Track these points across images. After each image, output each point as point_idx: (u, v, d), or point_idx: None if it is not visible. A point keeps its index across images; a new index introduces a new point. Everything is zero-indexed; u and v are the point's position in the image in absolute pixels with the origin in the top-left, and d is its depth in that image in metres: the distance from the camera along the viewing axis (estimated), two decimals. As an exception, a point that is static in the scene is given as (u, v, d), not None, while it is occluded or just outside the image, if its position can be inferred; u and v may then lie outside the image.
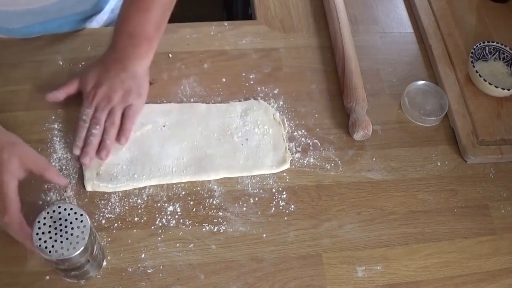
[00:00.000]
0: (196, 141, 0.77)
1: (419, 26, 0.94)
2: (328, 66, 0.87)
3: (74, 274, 0.62)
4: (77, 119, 0.74)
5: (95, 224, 0.69)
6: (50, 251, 0.55)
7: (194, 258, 0.68)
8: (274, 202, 0.73)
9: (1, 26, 0.82)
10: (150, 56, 0.78)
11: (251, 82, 0.84)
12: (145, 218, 0.70)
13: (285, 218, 0.72)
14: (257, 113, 0.80)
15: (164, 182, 0.73)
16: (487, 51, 0.88)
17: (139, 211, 0.71)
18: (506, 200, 0.77)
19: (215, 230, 0.70)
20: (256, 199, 0.73)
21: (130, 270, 0.66)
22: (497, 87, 0.82)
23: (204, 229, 0.70)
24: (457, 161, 0.80)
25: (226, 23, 0.92)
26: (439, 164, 0.78)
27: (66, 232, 0.57)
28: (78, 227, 0.57)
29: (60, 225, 0.57)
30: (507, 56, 0.88)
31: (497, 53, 0.88)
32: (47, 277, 0.65)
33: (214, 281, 0.67)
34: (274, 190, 0.74)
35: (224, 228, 0.70)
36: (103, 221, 0.69)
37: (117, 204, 0.71)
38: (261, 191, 0.74)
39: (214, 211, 0.71)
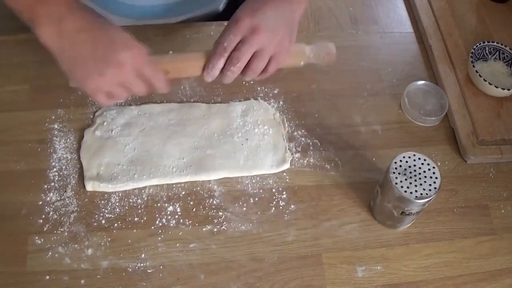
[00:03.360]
0: (196, 141, 0.77)
1: (419, 26, 0.94)
2: (328, 66, 0.87)
3: (391, 223, 0.71)
4: (215, 42, 0.65)
5: (95, 224, 0.69)
6: (405, 191, 0.63)
7: (194, 258, 0.68)
8: (274, 202, 0.73)
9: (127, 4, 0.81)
10: (304, 7, 0.69)
11: (251, 82, 0.84)
12: (145, 218, 0.70)
13: (285, 218, 0.72)
14: (257, 113, 0.80)
15: (165, 182, 0.73)
16: (487, 51, 0.88)
17: (139, 211, 0.71)
18: (506, 200, 0.77)
19: (215, 230, 0.70)
20: (256, 199, 0.73)
21: (130, 270, 0.66)
22: (497, 87, 0.82)
23: (204, 229, 0.70)
24: (457, 161, 0.80)
25: (226, 23, 0.91)
26: (439, 164, 0.78)
27: (420, 179, 0.64)
28: (430, 177, 0.65)
29: (414, 171, 0.65)
30: (507, 56, 0.87)
31: (497, 53, 0.88)
32: (47, 277, 0.65)
33: (214, 281, 0.67)
34: (274, 190, 0.74)
35: (224, 228, 0.70)
36: (103, 221, 0.69)
37: (117, 204, 0.71)
38: (261, 191, 0.74)
39: (214, 211, 0.71)
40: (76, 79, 0.61)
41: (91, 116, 0.78)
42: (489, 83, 0.82)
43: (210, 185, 0.74)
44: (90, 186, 0.71)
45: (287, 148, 0.77)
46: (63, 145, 0.75)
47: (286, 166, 0.76)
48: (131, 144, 0.75)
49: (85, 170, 0.72)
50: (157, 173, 0.73)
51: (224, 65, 0.65)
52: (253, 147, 0.77)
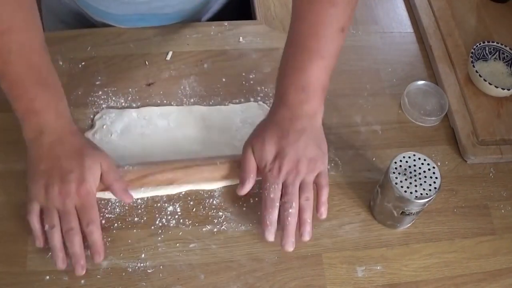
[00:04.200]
0: (196, 146, 0.76)
1: (419, 26, 0.94)
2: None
3: (391, 223, 0.71)
4: (262, 197, 0.67)
5: (95, 224, 0.69)
6: (405, 191, 0.63)
7: (194, 258, 0.68)
8: (274, 202, 0.73)
9: (101, 10, 0.84)
10: (323, 106, 0.70)
11: (251, 82, 0.84)
12: (145, 218, 0.70)
13: (285, 218, 0.72)
14: (256, 115, 0.79)
15: (164, 193, 0.72)
16: (487, 51, 0.88)
17: (139, 211, 0.71)
18: (506, 200, 0.77)
19: (215, 230, 0.70)
20: (256, 199, 0.73)
21: (130, 270, 0.66)
22: (497, 87, 0.82)
23: (204, 229, 0.70)
24: (457, 161, 0.80)
25: (226, 23, 0.92)
26: (439, 164, 0.78)
27: (420, 179, 0.64)
28: (430, 177, 0.65)
29: (414, 171, 0.65)
30: (507, 56, 0.87)
31: (497, 53, 0.88)
32: (47, 277, 0.65)
33: (214, 281, 0.67)
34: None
35: (224, 228, 0.70)
36: (103, 221, 0.69)
37: (117, 204, 0.71)
38: (261, 191, 0.74)
39: (214, 211, 0.71)
40: (28, 173, 0.66)
41: (91, 116, 0.78)
42: (489, 83, 0.82)
43: (210, 188, 0.73)
44: None
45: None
46: (63, 145, 0.75)
47: None
48: (130, 149, 0.75)
49: None
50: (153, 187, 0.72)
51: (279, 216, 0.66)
52: None
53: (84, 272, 0.64)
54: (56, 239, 0.63)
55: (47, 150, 0.65)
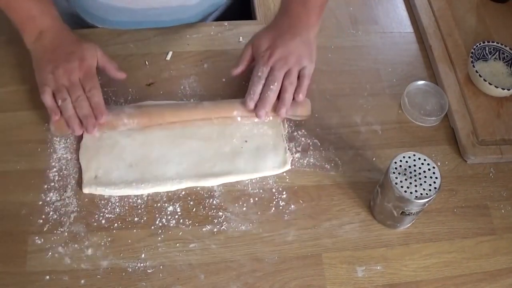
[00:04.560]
0: (196, 143, 0.76)
1: (419, 26, 0.94)
2: (328, 66, 0.87)
3: (391, 223, 0.71)
4: (251, 76, 0.77)
5: (95, 224, 0.69)
6: (405, 191, 0.63)
7: (194, 258, 0.68)
8: (274, 202, 0.73)
9: (98, 16, 0.90)
10: (319, 23, 0.81)
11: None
12: (145, 218, 0.70)
13: (285, 218, 0.72)
14: None
15: (164, 190, 0.72)
16: (487, 51, 0.88)
17: (139, 211, 0.71)
18: (506, 200, 0.77)
19: (215, 230, 0.70)
20: (256, 199, 0.73)
21: (130, 270, 0.66)
22: (497, 87, 0.82)
23: (204, 229, 0.70)
24: (457, 161, 0.80)
25: (226, 23, 0.92)
26: (439, 164, 0.78)
27: (420, 179, 0.64)
28: (430, 177, 0.65)
29: (414, 171, 0.65)
30: (507, 56, 0.87)
31: (497, 53, 0.88)
32: (47, 277, 0.65)
33: (214, 281, 0.67)
34: (274, 190, 0.74)
35: (224, 228, 0.70)
36: (103, 221, 0.69)
37: (117, 204, 0.71)
38: (261, 191, 0.74)
39: (214, 211, 0.71)
40: (36, 72, 0.75)
41: (91, 116, 0.78)
42: (489, 83, 0.82)
43: (210, 185, 0.74)
44: (87, 189, 0.71)
45: (287, 148, 0.77)
46: (63, 145, 0.75)
47: (287, 167, 0.75)
48: (130, 146, 0.75)
49: (84, 172, 0.72)
50: (156, 181, 0.72)
51: (262, 91, 0.76)
52: (253, 149, 0.76)
53: (95, 130, 0.72)
54: (70, 109, 0.72)
55: (49, 43, 0.75)
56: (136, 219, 0.70)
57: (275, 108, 0.76)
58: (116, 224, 0.69)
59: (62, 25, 0.78)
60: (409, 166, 0.65)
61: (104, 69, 0.77)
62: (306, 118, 0.80)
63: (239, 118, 0.77)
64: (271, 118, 0.78)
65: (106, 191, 0.71)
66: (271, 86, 0.75)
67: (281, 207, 0.73)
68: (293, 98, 0.77)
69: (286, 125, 0.80)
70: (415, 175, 0.65)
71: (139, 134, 0.76)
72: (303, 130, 0.80)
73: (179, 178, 0.73)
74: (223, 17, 0.95)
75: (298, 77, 0.77)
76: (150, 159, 0.74)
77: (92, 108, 0.72)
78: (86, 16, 0.91)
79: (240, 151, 0.76)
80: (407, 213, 0.67)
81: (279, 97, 0.76)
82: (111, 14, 0.87)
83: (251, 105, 0.75)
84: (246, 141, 0.77)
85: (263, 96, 0.75)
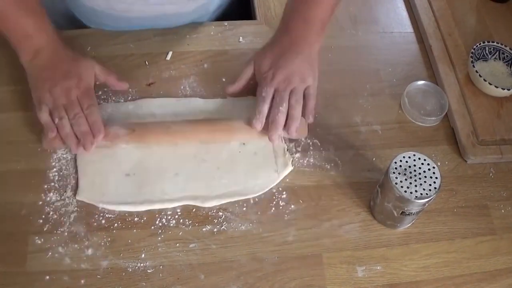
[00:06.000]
0: (193, 148, 0.75)
1: (419, 26, 0.94)
2: (328, 66, 0.87)
3: (391, 223, 0.71)
4: (256, 98, 0.76)
5: (95, 224, 0.69)
6: (405, 191, 0.63)
7: (194, 258, 0.68)
8: (274, 202, 0.73)
9: (96, 21, 0.90)
10: (321, 40, 0.79)
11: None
12: (145, 218, 0.70)
13: (285, 218, 0.72)
14: (253, 105, 0.77)
15: (161, 207, 0.71)
16: (487, 51, 0.88)
17: (139, 211, 0.70)
18: (506, 200, 0.77)
19: (215, 230, 0.70)
20: (256, 199, 0.73)
21: (130, 270, 0.66)
22: (497, 87, 0.82)
23: (204, 229, 0.70)
24: (457, 161, 0.80)
25: (226, 23, 0.92)
26: (439, 164, 0.78)
27: (420, 179, 0.64)
28: (430, 177, 0.65)
29: (414, 171, 0.65)
30: (507, 56, 0.87)
31: (497, 53, 0.88)
32: (47, 277, 0.65)
33: (214, 281, 0.67)
34: (274, 190, 0.74)
35: (224, 228, 0.70)
36: (103, 221, 0.69)
37: (117, 204, 0.71)
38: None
39: (214, 211, 0.71)
40: (33, 90, 0.74)
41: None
42: (489, 83, 0.82)
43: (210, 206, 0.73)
44: (81, 196, 0.70)
45: (286, 149, 0.77)
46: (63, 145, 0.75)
47: (289, 169, 0.75)
48: (127, 152, 0.73)
49: (80, 178, 0.71)
50: (151, 201, 0.70)
51: (269, 113, 0.74)
52: (251, 153, 0.75)
53: (93, 147, 0.70)
54: (67, 127, 0.71)
55: (45, 62, 0.74)
56: (136, 219, 0.70)
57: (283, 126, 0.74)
58: (116, 224, 0.69)
59: (58, 43, 0.76)
60: (409, 166, 0.65)
61: (105, 83, 0.77)
62: (301, 137, 0.78)
63: (240, 143, 0.76)
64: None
65: (100, 205, 0.70)
66: (280, 108, 0.73)
67: (281, 207, 0.73)
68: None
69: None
70: (415, 175, 0.65)
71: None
72: (303, 130, 0.80)
73: (176, 198, 0.71)
74: (223, 17, 0.95)
75: (303, 96, 0.76)
76: (148, 171, 0.73)
77: (89, 125, 0.71)
78: (84, 19, 0.91)
79: (238, 159, 0.75)
80: (407, 213, 0.67)
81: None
82: (108, 20, 0.87)
83: (259, 126, 0.73)
84: (243, 144, 0.76)
85: (274, 119, 0.73)
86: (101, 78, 0.76)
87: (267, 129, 0.73)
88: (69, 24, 0.92)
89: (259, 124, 0.73)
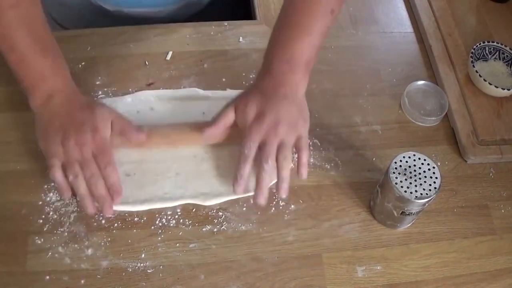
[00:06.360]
0: (193, 148, 0.75)
1: (419, 26, 0.94)
2: (328, 66, 0.87)
3: (391, 223, 0.71)
4: (237, 157, 0.68)
5: (95, 224, 0.69)
6: (405, 191, 0.63)
7: (194, 258, 0.68)
8: (274, 202, 0.73)
9: None
10: (306, 83, 0.73)
11: (251, 82, 0.84)
12: (145, 218, 0.70)
13: (285, 218, 0.72)
14: None
15: (162, 206, 0.71)
16: (487, 51, 0.88)
17: (139, 211, 0.70)
18: (506, 200, 0.77)
19: (215, 230, 0.70)
20: (256, 199, 0.73)
21: (130, 270, 0.66)
22: (497, 87, 0.82)
23: (204, 229, 0.70)
24: (457, 161, 0.80)
25: (226, 23, 0.92)
26: (439, 164, 0.78)
27: (420, 179, 0.64)
28: (430, 177, 0.65)
29: (414, 171, 0.65)
30: (507, 56, 0.87)
31: (497, 53, 0.88)
32: (47, 277, 0.65)
33: (214, 281, 0.67)
34: (274, 190, 0.74)
35: (224, 228, 0.70)
36: (103, 221, 0.69)
37: (117, 204, 0.71)
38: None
39: (214, 211, 0.71)
40: (40, 138, 0.69)
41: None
42: (489, 83, 0.82)
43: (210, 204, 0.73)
44: None
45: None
46: (63, 145, 0.75)
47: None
48: (127, 153, 0.73)
49: None
50: (152, 200, 0.70)
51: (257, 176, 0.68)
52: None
53: (112, 211, 0.66)
54: (82, 186, 0.66)
55: (58, 108, 0.68)
56: (136, 219, 0.70)
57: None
58: (116, 224, 0.69)
59: (73, 88, 0.71)
60: (409, 166, 0.65)
61: (121, 134, 0.70)
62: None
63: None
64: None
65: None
66: (265, 166, 0.67)
67: (281, 207, 0.73)
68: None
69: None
70: (415, 175, 0.65)
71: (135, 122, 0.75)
72: (303, 130, 0.80)
73: (177, 199, 0.71)
74: (223, 17, 0.95)
75: (295, 149, 0.70)
76: (148, 169, 0.73)
77: (107, 187, 0.67)
78: None
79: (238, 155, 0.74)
80: (407, 213, 0.67)
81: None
82: None
83: (239, 190, 0.68)
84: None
85: (258, 180, 0.67)
86: (118, 128, 0.69)
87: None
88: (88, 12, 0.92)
89: (240, 189, 0.68)
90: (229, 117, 0.70)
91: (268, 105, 0.69)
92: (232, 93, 0.80)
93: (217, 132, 0.71)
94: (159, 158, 0.74)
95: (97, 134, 0.67)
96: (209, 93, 0.81)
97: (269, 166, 0.67)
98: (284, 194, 0.68)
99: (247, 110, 0.69)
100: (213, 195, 0.72)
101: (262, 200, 0.67)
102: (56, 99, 0.68)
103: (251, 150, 0.67)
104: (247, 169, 0.67)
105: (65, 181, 0.66)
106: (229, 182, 0.72)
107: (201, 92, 0.81)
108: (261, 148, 0.68)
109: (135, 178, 0.72)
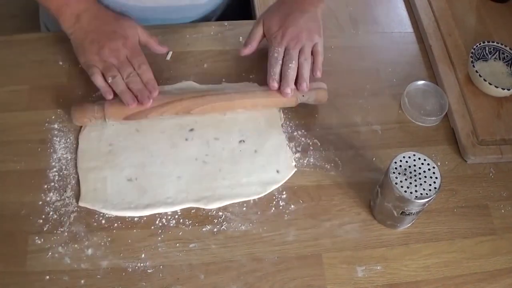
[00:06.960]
0: (194, 147, 0.75)
1: (419, 26, 0.94)
2: (328, 66, 0.87)
3: (391, 223, 0.71)
4: (268, 58, 0.80)
5: (95, 224, 0.69)
6: (405, 191, 0.64)
7: (194, 258, 0.68)
8: (274, 202, 0.73)
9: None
10: (323, 3, 0.86)
11: (251, 82, 0.84)
12: (145, 218, 0.70)
13: (285, 218, 0.72)
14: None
15: (166, 210, 0.71)
16: (487, 51, 0.88)
17: (139, 211, 0.71)
18: (506, 200, 0.77)
19: (215, 230, 0.70)
20: (256, 199, 0.73)
21: (130, 270, 0.66)
22: (497, 87, 0.82)
23: (204, 229, 0.70)
24: (457, 161, 0.80)
25: (226, 23, 0.92)
26: (439, 164, 0.78)
27: (420, 179, 0.64)
28: (430, 177, 0.65)
29: (414, 171, 0.65)
30: (507, 56, 0.87)
31: (497, 53, 0.88)
32: (47, 277, 0.65)
33: (214, 281, 0.67)
34: (274, 190, 0.74)
35: (224, 228, 0.70)
36: (103, 221, 0.69)
37: (117, 204, 0.71)
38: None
39: (214, 211, 0.71)
40: (79, 55, 0.77)
41: (91, 116, 0.78)
42: (489, 83, 0.82)
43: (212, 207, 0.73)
44: (83, 202, 0.70)
45: (288, 146, 0.77)
46: (63, 145, 0.75)
47: (293, 171, 0.75)
48: (127, 153, 0.74)
49: (82, 184, 0.71)
50: (154, 205, 0.70)
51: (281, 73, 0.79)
52: (252, 153, 0.76)
53: (151, 102, 0.74)
54: (121, 84, 0.74)
55: (88, 25, 0.77)
56: (136, 219, 0.70)
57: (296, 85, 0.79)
58: (116, 224, 0.69)
59: (98, 6, 0.80)
60: (409, 166, 0.65)
61: (146, 45, 0.80)
62: (322, 103, 0.81)
63: (239, 141, 0.77)
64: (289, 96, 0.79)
65: (103, 211, 0.70)
66: (290, 65, 0.78)
67: (281, 207, 0.73)
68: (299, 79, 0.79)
69: (283, 116, 0.80)
70: (415, 175, 0.65)
71: (136, 136, 0.76)
72: (303, 130, 0.80)
73: (179, 203, 0.71)
74: (223, 17, 0.95)
75: (312, 53, 0.81)
76: (150, 174, 0.73)
77: (144, 83, 0.75)
78: None
79: (239, 159, 0.75)
80: (407, 213, 0.67)
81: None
82: (122, 11, 0.87)
83: (275, 85, 0.78)
84: (243, 141, 0.76)
85: (284, 75, 0.78)
86: (142, 38, 0.79)
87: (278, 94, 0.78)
88: None
89: (275, 83, 0.78)
90: (259, 32, 0.83)
91: (290, 18, 0.82)
92: (227, 86, 0.81)
93: (254, 48, 0.83)
94: (161, 162, 0.74)
95: (128, 40, 0.77)
96: (204, 87, 0.82)
97: (294, 65, 0.79)
98: (305, 88, 0.78)
99: (272, 23, 0.82)
100: (215, 198, 0.72)
101: (288, 90, 0.77)
102: (84, 18, 0.77)
103: (280, 53, 0.80)
104: (278, 69, 0.79)
105: (106, 84, 0.74)
106: (230, 185, 0.72)
107: (197, 86, 0.81)
108: (286, 52, 0.80)
109: (136, 183, 0.72)
